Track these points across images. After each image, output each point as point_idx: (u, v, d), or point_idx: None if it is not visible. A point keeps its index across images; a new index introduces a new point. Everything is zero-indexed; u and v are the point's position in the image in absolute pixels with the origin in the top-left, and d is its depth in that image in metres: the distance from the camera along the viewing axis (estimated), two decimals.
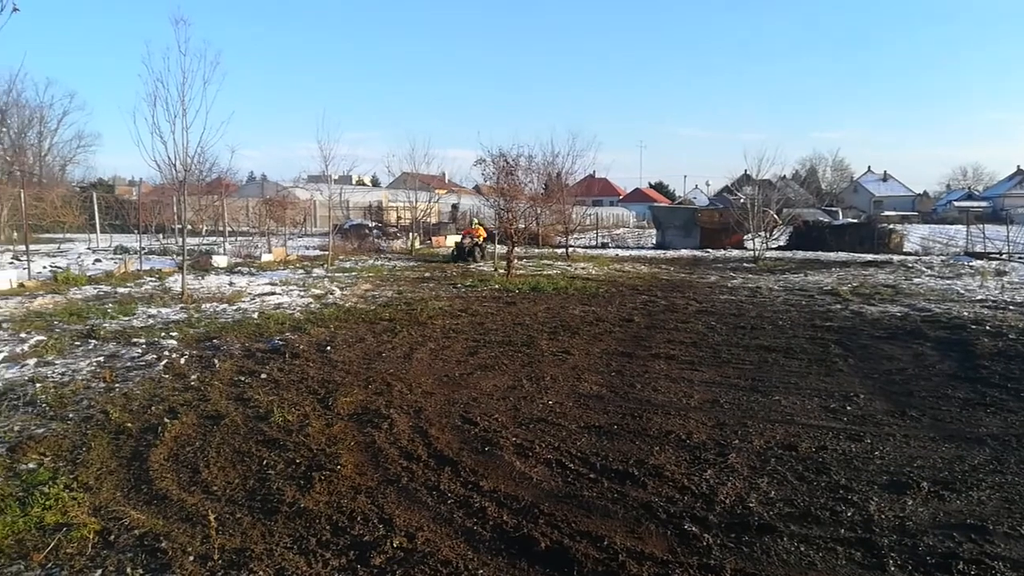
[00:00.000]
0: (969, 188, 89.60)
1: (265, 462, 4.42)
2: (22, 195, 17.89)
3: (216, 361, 7.18)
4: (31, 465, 4.32)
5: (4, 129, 46.80)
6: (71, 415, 5.34)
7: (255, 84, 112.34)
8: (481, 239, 22.34)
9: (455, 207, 43.60)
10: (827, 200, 67.09)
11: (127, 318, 9.75)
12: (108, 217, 30.46)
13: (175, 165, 11.92)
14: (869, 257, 24.84)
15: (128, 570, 3.10)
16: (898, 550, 3.33)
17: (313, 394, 6.01)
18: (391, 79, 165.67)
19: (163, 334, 8.52)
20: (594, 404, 5.82)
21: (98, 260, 19.01)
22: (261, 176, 56.79)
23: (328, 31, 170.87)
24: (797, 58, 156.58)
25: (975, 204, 68.12)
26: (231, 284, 14.12)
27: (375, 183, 70.97)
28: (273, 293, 12.72)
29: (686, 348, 8.16)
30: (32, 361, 7.00)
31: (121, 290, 12.86)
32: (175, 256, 19.00)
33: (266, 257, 20.28)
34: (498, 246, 21.33)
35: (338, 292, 13.06)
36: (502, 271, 17.07)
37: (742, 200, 30.37)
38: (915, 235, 34.89)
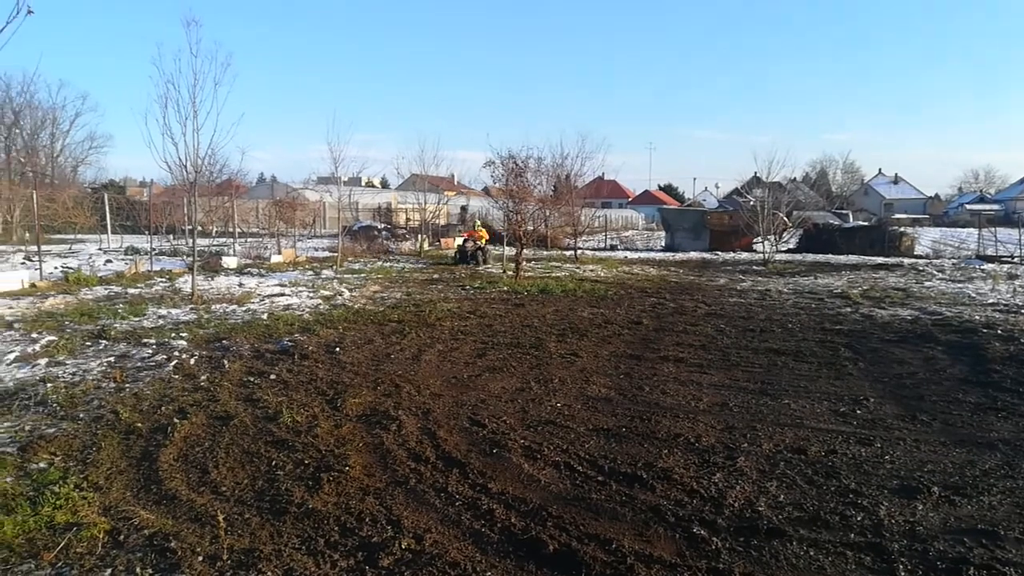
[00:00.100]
0: (981, 191, 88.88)
1: (274, 463, 4.44)
2: (34, 196, 18.11)
3: (226, 362, 7.22)
4: (42, 464, 4.36)
5: (17, 130, 47.35)
6: (82, 415, 5.38)
7: (260, 85, 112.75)
8: (483, 241, 22.08)
9: (464, 209, 43.72)
10: (837, 203, 66.56)
11: (137, 319, 9.82)
12: (119, 218, 30.65)
13: (186, 166, 12.00)
14: (880, 260, 24.69)
15: (138, 570, 3.12)
16: (908, 555, 3.31)
17: (322, 395, 6.03)
18: (396, 79, 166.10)
19: (173, 335, 8.58)
20: (602, 407, 5.80)
21: (109, 261, 19.14)
22: (271, 178, 57.06)
23: (333, 31, 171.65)
24: (798, 59, 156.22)
25: (987, 207, 67.70)
26: (241, 285, 14.19)
27: (384, 185, 71.21)
28: (282, 294, 12.77)
29: (695, 351, 8.14)
30: (43, 361, 7.06)
31: (132, 291, 12.95)
32: (185, 257, 19.14)
33: (276, 258, 20.36)
34: (507, 248, 21.31)
35: (347, 293, 13.09)
36: (511, 273, 17.10)
37: (752, 202, 30.20)
38: (926, 238, 34.70)
